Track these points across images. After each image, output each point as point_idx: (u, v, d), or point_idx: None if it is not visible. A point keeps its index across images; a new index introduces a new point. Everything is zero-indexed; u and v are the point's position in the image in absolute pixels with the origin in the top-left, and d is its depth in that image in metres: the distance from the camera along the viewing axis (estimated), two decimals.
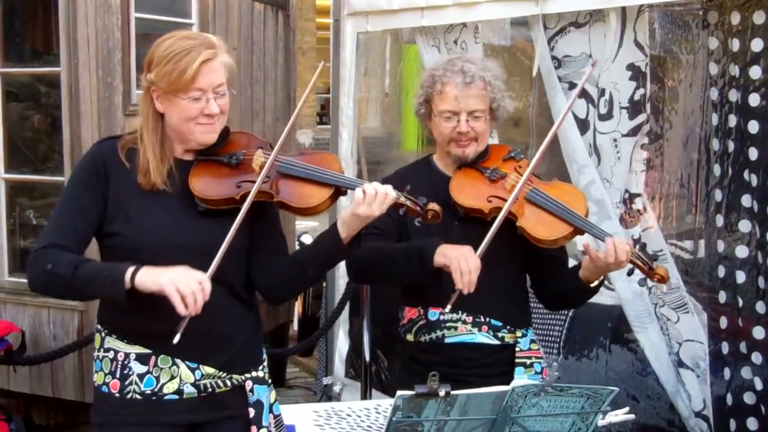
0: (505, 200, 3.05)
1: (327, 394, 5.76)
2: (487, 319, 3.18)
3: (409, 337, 3.28)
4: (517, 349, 3.20)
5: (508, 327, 3.20)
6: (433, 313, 3.20)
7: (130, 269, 2.53)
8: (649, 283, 3.99)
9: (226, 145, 2.83)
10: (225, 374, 2.80)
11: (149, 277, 2.52)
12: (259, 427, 2.85)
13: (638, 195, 4.09)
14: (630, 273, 3.08)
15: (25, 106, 5.73)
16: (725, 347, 3.87)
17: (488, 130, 3.22)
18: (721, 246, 3.81)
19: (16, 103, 5.70)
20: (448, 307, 2.96)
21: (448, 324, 3.18)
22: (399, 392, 2.27)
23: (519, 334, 3.22)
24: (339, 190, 2.78)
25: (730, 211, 3.77)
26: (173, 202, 2.73)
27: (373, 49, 5.55)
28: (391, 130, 6.06)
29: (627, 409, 2.73)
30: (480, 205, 3.09)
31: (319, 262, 2.85)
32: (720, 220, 3.81)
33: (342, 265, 5.43)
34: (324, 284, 6.04)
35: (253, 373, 2.87)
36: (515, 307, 3.26)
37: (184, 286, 2.49)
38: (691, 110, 3.93)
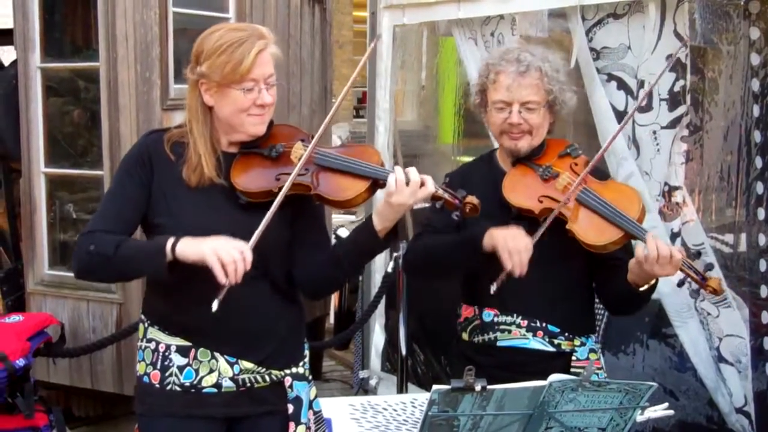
0: (556, 201, 2.99)
1: (363, 388, 5.76)
2: (544, 325, 3.11)
3: (464, 336, 3.25)
4: (573, 357, 3.12)
5: (567, 334, 3.13)
6: (488, 314, 3.16)
7: (171, 240, 2.55)
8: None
9: (268, 138, 2.83)
10: (264, 369, 2.80)
11: (190, 246, 2.54)
12: (298, 423, 2.85)
13: (678, 188, 4.04)
14: (681, 284, 3.00)
15: (64, 101, 5.77)
16: (767, 342, 3.82)
17: (545, 125, 3.13)
18: (762, 239, 3.77)
19: (56, 98, 5.74)
20: (494, 287, 2.90)
21: (501, 327, 3.12)
22: (435, 386, 2.26)
23: (577, 342, 3.14)
24: (377, 183, 2.75)
25: None
26: (216, 195, 2.75)
27: (410, 41, 5.54)
28: (427, 123, 6.05)
29: (666, 405, 2.70)
30: (530, 205, 3.04)
31: (355, 255, 2.84)
32: (761, 213, 3.76)
33: (379, 259, 5.53)
34: (360, 278, 6.04)
35: (293, 369, 2.87)
36: (576, 313, 3.18)
37: (226, 254, 2.49)
38: (732, 101, 3.87)
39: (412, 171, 2.68)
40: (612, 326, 4.30)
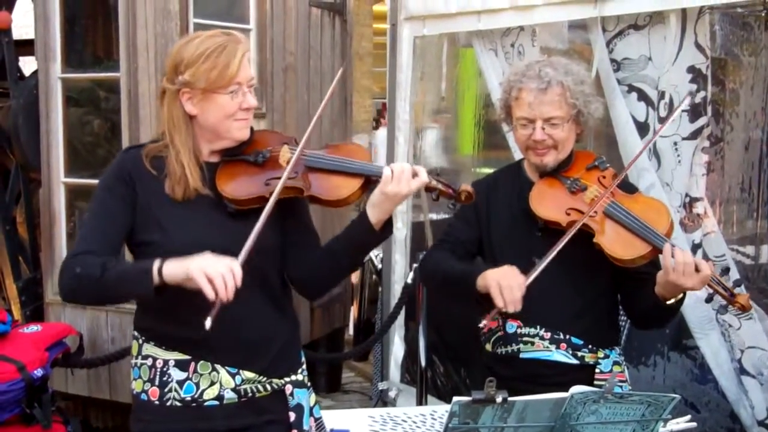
0: (584, 213, 2.99)
1: (382, 399, 5.74)
2: (567, 337, 3.10)
3: (488, 347, 3.24)
4: (597, 370, 3.10)
5: (590, 346, 3.11)
6: (511, 326, 3.15)
7: (158, 261, 2.51)
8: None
9: (250, 144, 2.82)
10: (265, 378, 2.79)
11: (177, 267, 2.49)
12: (300, 430, 2.84)
13: (699, 199, 4.02)
14: (709, 300, 2.98)
15: (85, 111, 5.79)
16: None
17: (570, 138, 3.12)
18: None
19: (76, 108, 5.77)
20: (484, 322, 2.90)
21: (524, 338, 3.11)
22: (455, 398, 2.25)
23: (601, 354, 3.12)
24: (369, 179, 2.75)
25: None
26: (204, 206, 2.73)
27: (430, 53, 5.53)
28: (446, 135, 6.04)
29: (688, 417, 2.69)
30: (558, 218, 3.02)
31: (352, 250, 2.83)
32: None
33: (398, 269, 5.51)
34: (380, 289, 6.03)
35: (293, 377, 2.87)
36: (600, 325, 3.16)
37: (213, 270, 2.44)
38: (753, 113, 3.86)
39: (404, 163, 2.71)
40: (633, 338, 4.28)
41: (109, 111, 5.67)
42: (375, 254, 7.23)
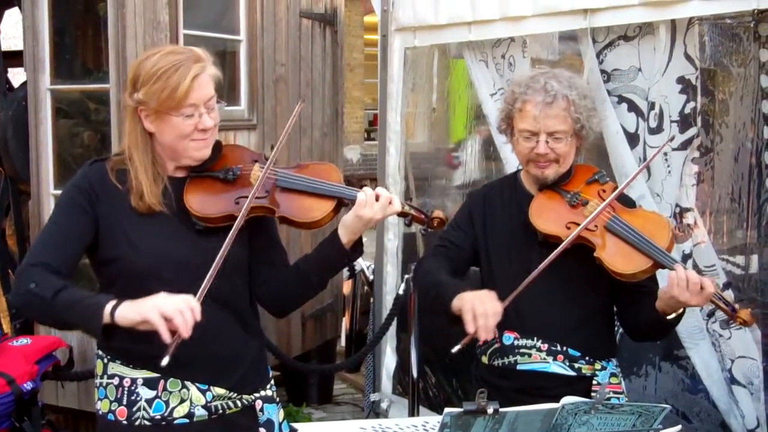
0: (585, 228, 2.96)
1: (374, 411, 5.73)
2: (564, 349, 3.09)
3: (484, 359, 3.23)
4: (594, 382, 3.09)
5: (587, 358, 3.10)
6: (508, 337, 3.14)
7: (111, 302, 2.43)
8: None
9: (219, 160, 2.78)
10: (236, 395, 2.76)
11: (131, 309, 2.41)
12: None
13: (689, 209, 4.03)
14: (711, 314, 2.97)
15: (74, 123, 5.77)
16: None
17: (572, 152, 3.10)
18: None
19: (65, 119, 5.75)
20: (455, 349, 2.82)
21: (521, 350, 3.10)
22: (447, 409, 2.24)
23: (598, 366, 3.12)
24: (341, 202, 2.74)
25: None
26: (170, 221, 2.69)
27: (421, 64, 5.54)
28: (438, 146, 6.05)
29: (679, 427, 2.67)
30: (557, 231, 3.01)
31: (322, 269, 2.81)
32: None
33: (390, 281, 5.51)
34: (372, 300, 6.03)
35: (262, 392, 2.85)
36: (597, 337, 3.15)
37: (170, 308, 2.37)
38: (742, 123, 3.87)
39: (379, 189, 2.71)
40: (624, 349, 4.27)
41: (99, 123, 5.65)
42: (367, 265, 7.23)
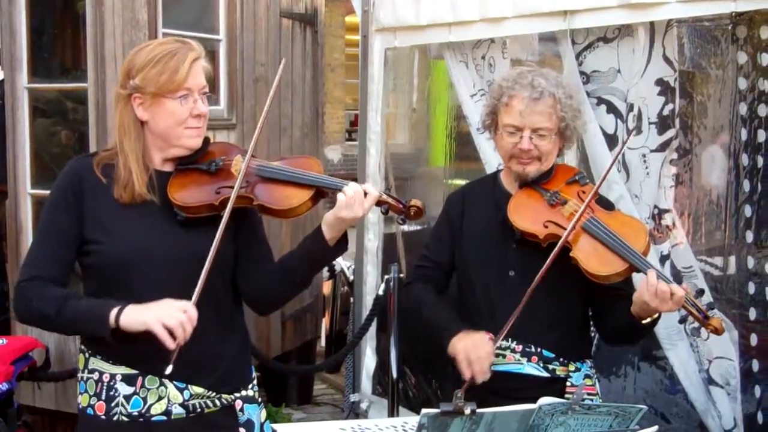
0: (562, 227, 2.97)
1: (354, 411, 5.73)
2: (539, 350, 3.10)
3: None
4: (568, 383, 3.10)
5: (562, 359, 3.10)
6: None
7: (115, 309, 2.52)
8: None
9: (205, 154, 2.82)
10: (214, 394, 2.77)
11: (134, 317, 2.51)
12: None
13: (667, 211, 4.05)
14: (682, 321, 2.98)
15: (52, 122, 5.74)
16: (755, 365, 3.82)
17: (555, 151, 3.12)
18: (750, 262, 3.77)
19: (43, 118, 5.72)
20: (458, 393, 2.86)
21: (496, 351, 3.06)
22: (424, 410, 2.25)
23: (572, 367, 3.12)
24: (320, 191, 2.76)
25: (760, 227, 3.73)
26: (153, 213, 2.71)
27: (401, 64, 5.54)
28: (418, 146, 6.05)
29: (656, 427, 2.68)
30: (535, 230, 3.01)
31: (305, 266, 2.83)
32: (750, 236, 3.76)
33: (370, 281, 5.50)
34: (351, 300, 6.02)
35: (243, 392, 2.85)
36: (571, 338, 3.15)
37: (170, 319, 2.48)
38: (721, 125, 3.89)
39: (355, 184, 2.72)
40: (603, 349, 4.29)
41: (77, 122, 5.62)
42: (347, 266, 7.22)
